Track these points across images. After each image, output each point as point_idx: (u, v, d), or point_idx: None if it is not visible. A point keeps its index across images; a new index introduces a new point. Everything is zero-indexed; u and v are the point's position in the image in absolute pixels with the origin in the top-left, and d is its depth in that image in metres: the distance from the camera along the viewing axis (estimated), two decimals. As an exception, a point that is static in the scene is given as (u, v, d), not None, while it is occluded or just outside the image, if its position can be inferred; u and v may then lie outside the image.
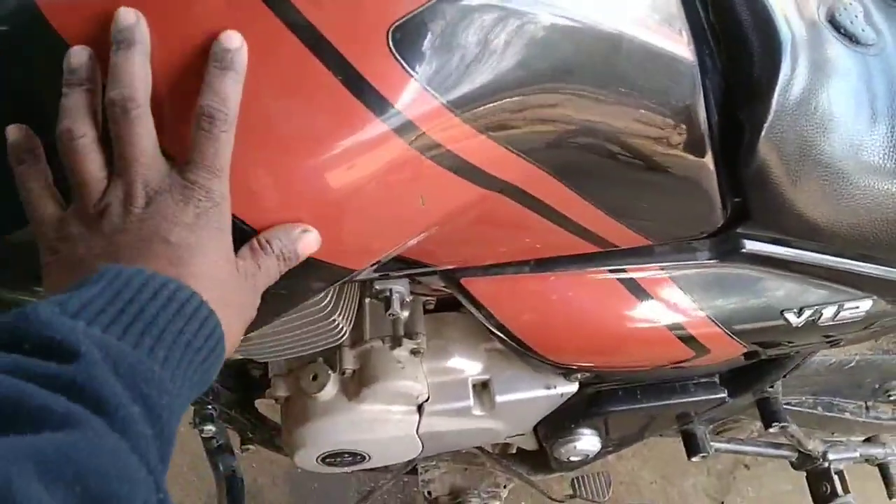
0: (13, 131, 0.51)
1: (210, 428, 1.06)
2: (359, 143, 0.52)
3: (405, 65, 0.52)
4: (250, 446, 1.15)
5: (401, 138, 0.53)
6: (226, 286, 0.50)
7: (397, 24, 0.52)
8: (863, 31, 0.77)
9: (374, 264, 0.64)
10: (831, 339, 0.93)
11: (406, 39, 0.52)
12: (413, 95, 0.53)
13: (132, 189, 0.48)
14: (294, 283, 0.57)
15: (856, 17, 0.78)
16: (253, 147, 0.50)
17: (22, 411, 0.36)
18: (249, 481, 1.72)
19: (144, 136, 0.48)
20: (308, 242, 0.54)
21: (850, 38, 0.77)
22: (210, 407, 1.05)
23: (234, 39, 0.49)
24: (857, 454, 1.25)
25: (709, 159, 0.69)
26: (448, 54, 0.53)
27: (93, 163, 0.49)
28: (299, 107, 0.51)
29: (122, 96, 0.47)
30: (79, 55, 0.49)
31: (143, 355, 0.42)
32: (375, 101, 0.52)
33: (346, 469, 1.06)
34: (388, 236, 0.60)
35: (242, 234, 0.52)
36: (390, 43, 0.51)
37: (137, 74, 0.48)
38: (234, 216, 0.51)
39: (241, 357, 1.05)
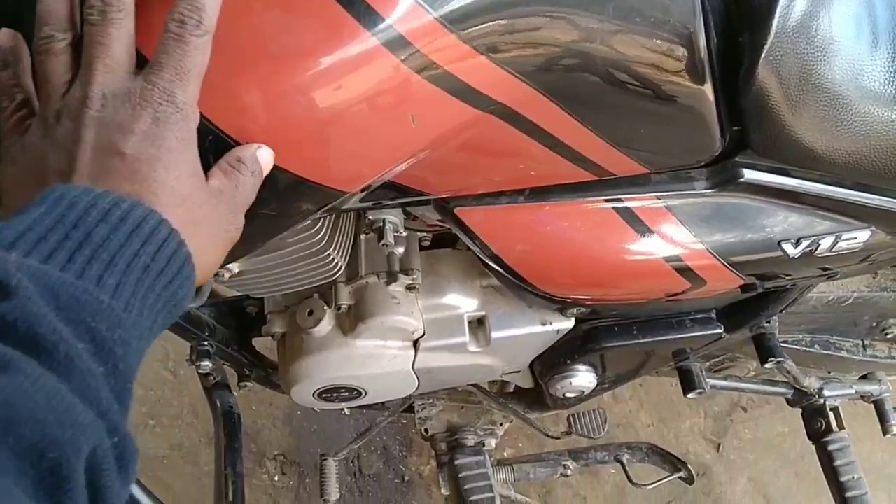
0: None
1: (207, 364, 1.06)
2: (349, 59, 0.51)
3: (397, -25, 0.51)
4: (248, 384, 1.15)
5: (392, 54, 0.52)
6: (192, 202, 0.46)
7: (388, -66, 0.50)
8: (867, -47, 0.75)
9: (365, 188, 0.64)
10: (829, 271, 0.92)
11: (397, -49, 0.50)
12: (405, 9, 0.52)
13: (89, 90, 0.45)
14: (284, 203, 0.57)
15: (860, -61, 0.76)
16: (241, 60, 0.49)
17: None
18: (248, 423, 1.75)
19: (116, 39, 0.45)
20: (266, 158, 0.51)
21: (854, -40, 0.74)
22: (207, 343, 1.05)
23: None
24: (853, 391, 1.26)
25: (708, 86, 0.68)
26: (441, -33, 0.52)
27: (59, 64, 0.46)
28: (287, 19, 0.50)
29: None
30: None
31: (89, 285, 0.39)
32: (366, 14, 0.51)
33: (342, 405, 1.06)
34: (378, 157, 0.59)
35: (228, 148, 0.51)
36: (381, -47, 0.50)
37: None
38: (220, 129, 0.50)
39: (237, 293, 1.05)
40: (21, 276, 0.36)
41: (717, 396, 1.86)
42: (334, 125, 0.53)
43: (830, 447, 1.28)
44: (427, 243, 1.03)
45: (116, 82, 0.45)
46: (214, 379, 1.13)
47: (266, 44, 0.50)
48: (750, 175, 0.76)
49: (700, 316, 1.01)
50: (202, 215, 0.47)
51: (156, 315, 0.43)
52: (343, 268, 0.91)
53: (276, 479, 1.74)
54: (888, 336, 1.24)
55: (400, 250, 0.97)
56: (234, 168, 0.50)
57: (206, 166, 0.50)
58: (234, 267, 0.86)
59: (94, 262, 0.39)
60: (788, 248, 0.82)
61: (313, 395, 1.01)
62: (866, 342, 1.27)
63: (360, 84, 0.52)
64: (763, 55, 0.67)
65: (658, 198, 0.78)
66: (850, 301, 1.13)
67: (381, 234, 0.81)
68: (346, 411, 1.44)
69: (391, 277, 0.94)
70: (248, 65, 0.50)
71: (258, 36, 0.49)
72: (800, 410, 1.35)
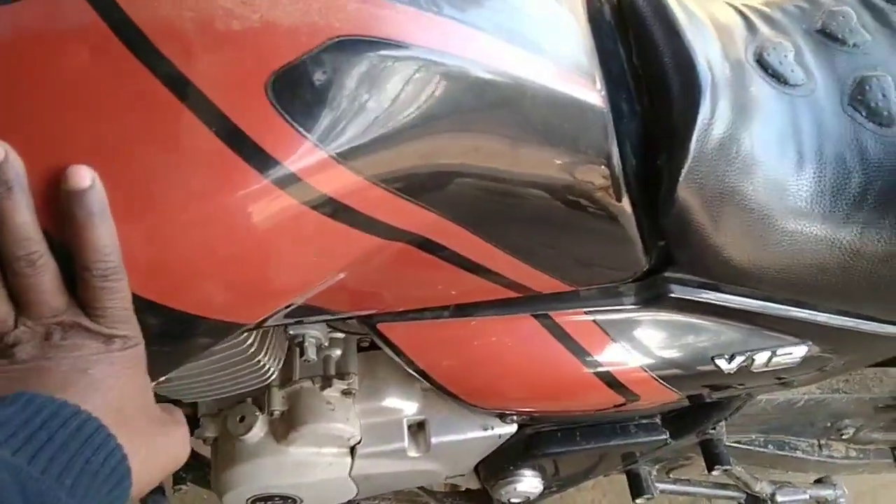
0: None
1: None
2: (240, 199, 0.50)
3: (286, 116, 0.50)
4: (183, 487, 1.12)
5: (285, 192, 0.51)
6: (136, 423, 0.50)
7: (277, 73, 0.49)
8: (792, 71, 0.76)
9: (273, 315, 0.62)
10: (782, 380, 0.91)
11: (287, 89, 0.49)
12: (296, 148, 0.50)
13: (49, 329, 0.48)
14: (177, 340, 0.55)
15: (785, 56, 0.76)
16: (126, 206, 0.47)
17: None
18: (200, 514, 1.69)
19: (50, 280, 0.48)
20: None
21: (778, 78, 0.75)
22: (138, 447, 1.01)
23: (82, 176, 0.46)
24: (807, 496, 1.23)
25: (626, 202, 0.67)
26: (334, 104, 0.51)
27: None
28: (174, 163, 0.48)
29: (25, 250, 0.46)
30: None
31: (51, 481, 0.42)
32: (255, 155, 0.49)
33: (278, 512, 1.03)
34: (279, 290, 0.57)
35: (137, 301, 0.50)
36: (269, 93, 0.49)
37: (27, 220, 0.46)
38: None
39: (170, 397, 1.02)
40: None
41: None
42: (227, 265, 0.52)
43: (785, 555, 1.24)
44: (366, 344, 1.01)
45: (69, 319, 0.48)
46: (148, 482, 1.09)
47: (151, 189, 0.48)
48: (679, 291, 0.75)
49: (645, 422, 0.99)
50: (144, 436, 0.51)
51: None
52: (276, 373, 0.89)
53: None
54: (844, 437, 1.22)
55: (336, 353, 0.95)
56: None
57: None
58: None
59: (55, 462, 0.43)
60: (722, 363, 0.80)
61: (247, 502, 0.98)
62: (822, 442, 1.24)
63: (253, 224, 0.51)
64: (682, 178, 0.66)
65: (586, 312, 0.76)
66: (802, 403, 1.11)
67: (302, 349, 0.79)
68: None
69: (326, 382, 0.92)
70: (133, 210, 0.48)
71: (144, 182, 0.48)
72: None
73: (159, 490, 1.08)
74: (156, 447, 0.52)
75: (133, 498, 0.49)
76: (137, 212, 0.48)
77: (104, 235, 0.47)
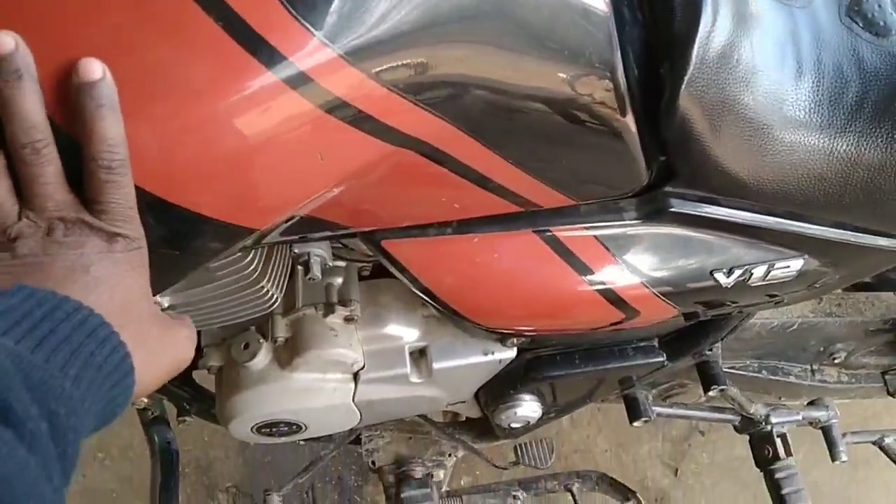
0: None
1: (143, 399, 1.04)
2: (247, 96, 0.50)
3: (295, 13, 0.50)
4: (187, 418, 1.13)
5: (294, 91, 0.51)
6: (141, 324, 0.50)
7: (286, -31, 0.49)
8: (791, -17, 0.76)
9: (280, 225, 0.62)
10: (774, 297, 0.92)
11: (296, -14, 0.49)
12: (305, 45, 0.50)
13: (52, 224, 0.48)
14: (185, 242, 0.55)
15: (783, -31, 0.76)
16: (132, 99, 0.48)
17: None
18: (200, 454, 1.72)
19: (54, 172, 0.47)
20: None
21: (777, -10, 0.75)
22: (143, 378, 1.02)
23: (93, 69, 0.46)
24: (800, 417, 1.26)
25: (629, 117, 0.67)
26: (343, 2, 0.51)
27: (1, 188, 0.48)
28: (180, 57, 0.48)
29: (31, 138, 0.46)
30: None
31: (55, 370, 0.42)
32: (263, 51, 0.49)
33: (283, 439, 1.04)
34: (286, 194, 0.57)
35: (143, 198, 0.50)
36: (276, -12, 0.49)
37: (35, 108, 0.46)
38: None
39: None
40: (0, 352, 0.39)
41: (676, 420, 1.85)
42: (234, 163, 0.52)
43: (778, 475, 1.27)
44: (367, 273, 1.02)
45: (72, 213, 0.48)
46: (152, 414, 1.10)
47: (158, 83, 0.48)
48: (678, 205, 0.76)
49: (642, 344, 1.00)
50: (146, 335, 0.51)
51: (97, 413, 0.45)
52: (279, 300, 0.90)
53: (227, 511, 1.71)
54: (836, 361, 1.24)
55: (338, 281, 0.96)
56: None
57: None
58: (164, 300, 0.84)
59: (58, 353, 0.42)
60: (721, 277, 0.81)
61: (251, 429, 0.99)
62: (815, 367, 1.27)
63: (262, 121, 0.51)
64: (683, 86, 0.67)
65: (586, 228, 0.77)
66: (795, 327, 1.13)
67: (307, 267, 0.80)
68: (301, 441, 1.42)
69: (329, 309, 0.93)
70: (140, 104, 0.48)
71: (150, 75, 0.48)
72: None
73: (163, 421, 1.10)
74: (159, 347, 0.52)
75: (135, 397, 0.49)
76: (144, 105, 0.48)
77: (112, 127, 0.47)
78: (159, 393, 1.08)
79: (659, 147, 0.72)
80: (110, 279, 0.49)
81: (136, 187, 0.50)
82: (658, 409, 1.15)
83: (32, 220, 0.48)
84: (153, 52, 0.48)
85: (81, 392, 0.43)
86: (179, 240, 0.54)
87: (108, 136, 0.47)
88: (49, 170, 0.47)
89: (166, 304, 0.85)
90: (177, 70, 0.48)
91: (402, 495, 1.17)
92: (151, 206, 0.51)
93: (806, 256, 0.83)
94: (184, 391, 1.10)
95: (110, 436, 1.74)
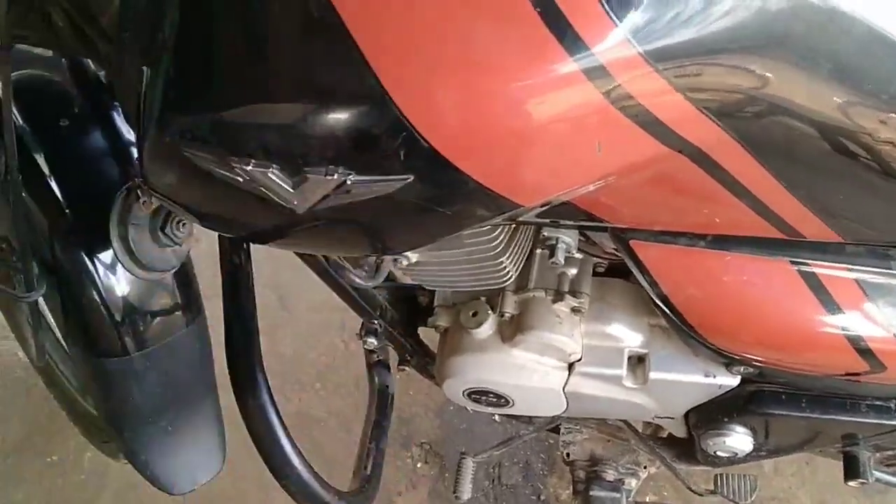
0: None
1: (373, 341, 1.12)
2: (546, 79, 0.53)
3: (608, 9, 0.52)
4: (406, 368, 1.20)
5: (590, 82, 0.53)
6: None
7: (607, -33, 0.51)
8: None
9: (542, 206, 0.65)
10: None
11: (614, -16, 0.51)
12: (611, 41, 0.52)
13: None
14: (460, 206, 0.59)
15: None
16: (442, 59, 0.52)
17: None
18: (403, 407, 1.82)
19: None
20: None
21: None
22: (376, 322, 1.10)
23: None
24: None
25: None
26: (656, 5, 0.52)
27: None
28: (494, 32, 0.52)
29: None
30: None
31: None
32: (571, 40, 0.52)
33: (489, 409, 1.08)
34: (559, 177, 0.60)
35: (425, 152, 0.54)
36: (597, -15, 0.51)
37: None
38: (411, 123, 0.53)
39: (412, 282, 1.10)
40: None
41: (892, 492, 1.70)
42: (521, 140, 0.55)
43: None
44: (602, 270, 1.03)
45: None
46: (377, 357, 1.18)
47: (468, 49, 0.52)
48: (959, 264, 0.70)
49: (878, 403, 0.93)
50: None
51: None
52: (513, 277, 0.93)
53: (418, 465, 1.79)
54: None
55: (572, 271, 0.97)
56: None
57: (398, 160, 0.54)
58: (413, 256, 0.91)
59: None
60: None
61: (463, 392, 1.04)
62: None
63: (553, 105, 0.54)
64: None
65: (849, 269, 0.73)
66: None
67: (552, 251, 0.82)
68: (497, 418, 1.47)
69: (558, 296, 0.95)
70: (448, 65, 0.52)
71: (462, 41, 0.52)
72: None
73: (386, 365, 1.18)
74: None
75: None
76: (454, 70, 0.52)
77: None
78: (387, 339, 1.16)
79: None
80: None
81: (428, 146, 0.54)
82: (878, 474, 1.06)
83: None
84: (471, 22, 0.52)
85: None
86: (452, 201, 0.58)
87: None
88: None
89: (413, 260, 0.92)
90: (489, 42, 0.52)
91: (591, 493, 1.17)
92: (436, 166, 0.56)
93: None
94: (408, 343, 1.17)
95: (329, 370, 1.88)
